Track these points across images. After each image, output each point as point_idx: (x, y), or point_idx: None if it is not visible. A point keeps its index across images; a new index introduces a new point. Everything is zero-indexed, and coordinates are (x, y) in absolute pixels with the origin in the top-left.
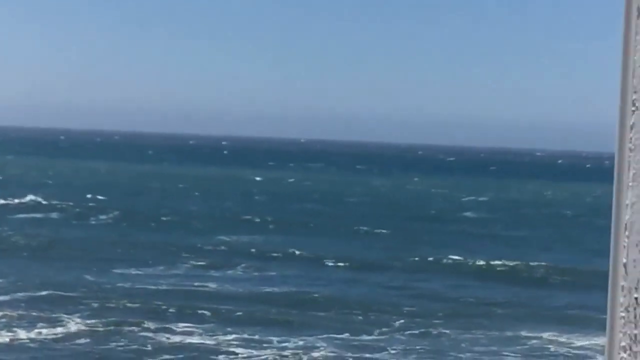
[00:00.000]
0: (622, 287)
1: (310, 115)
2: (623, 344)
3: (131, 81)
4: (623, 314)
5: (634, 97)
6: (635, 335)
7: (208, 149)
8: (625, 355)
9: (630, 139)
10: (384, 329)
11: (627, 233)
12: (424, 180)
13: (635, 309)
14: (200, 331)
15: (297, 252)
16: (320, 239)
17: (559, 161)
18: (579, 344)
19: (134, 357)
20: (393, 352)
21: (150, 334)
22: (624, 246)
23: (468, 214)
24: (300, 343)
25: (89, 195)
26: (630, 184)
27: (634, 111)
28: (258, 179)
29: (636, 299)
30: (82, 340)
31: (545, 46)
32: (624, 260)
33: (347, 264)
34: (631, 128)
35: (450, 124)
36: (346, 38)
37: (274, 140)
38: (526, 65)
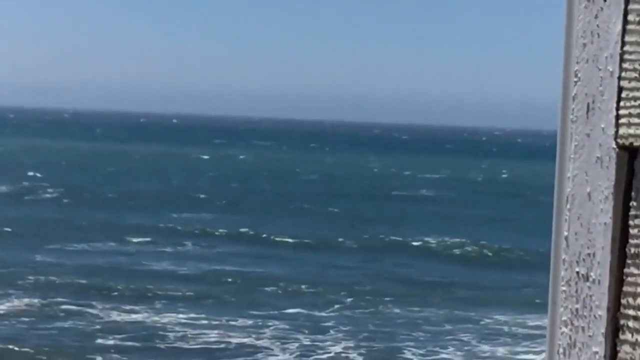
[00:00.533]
0: (564, 260)
1: (263, 93)
2: (564, 318)
3: (88, 59)
4: (564, 288)
5: (576, 67)
6: (577, 310)
7: (158, 127)
8: (566, 330)
9: (573, 110)
10: (335, 307)
11: (568, 206)
12: (379, 158)
13: (576, 283)
14: (149, 310)
15: (246, 230)
16: (270, 217)
17: (518, 140)
18: (533, 323)
19: (81, 336)
20: (345, 329)
21: (97, 313)
22: (566, 219)
23: (422, 192)
24: (250, 322)
25: (30, 173)
26: (572, 156)
27: (576, 82)
28: (206, 157)
29: (577, 272)
30: (27, 319)
31: (501, 23)
32: (566, 234)
33: (296, 241)
34: (573, 99)
35: (406, 101)
36: (303, 18)
37: (228, 118)
38: (484, 43)
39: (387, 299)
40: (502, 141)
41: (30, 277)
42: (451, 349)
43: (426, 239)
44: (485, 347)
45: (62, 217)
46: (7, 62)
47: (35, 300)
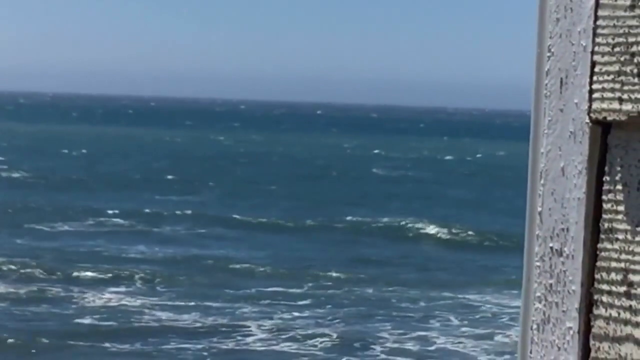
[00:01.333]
0: (537, 236)
1: (239, 75)
2: (538, 294)
3: (64, 42)
4: (538, 264)
5: (549, 42)
6: (551, 285)
7: (136, 109)
8: (540, 306)
9: (546, 85)
10: (307, 290)
11: (542, 181)
12: (342, 138)
13: (550, 258)
14: (124, 293)
15: (215, 213)
16: (239, 198)
17: (496, 121)
18: (512, 303)
19: (56, 319)
20: (321, 311)
21: (74, 295)
22: (539, 194)
23: (378, 171)
24: (225, 303)
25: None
26: (545, 131)
27: (549, 57)
28: (178, 139)
29: (551, 248)
30: (1, 304)
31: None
32: (539, 209)
33: (268, 222)
34: (547, 74)
35: (380, 82)
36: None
37: (202, 100)
38: (460, 22)
39: (362, 276)
40: (479, 121)
41: (4, 262)
42: (427, 328)
43: (399, 219)
44: (464, 328)
45: (39, 199)
46: None
47: (11, 285)
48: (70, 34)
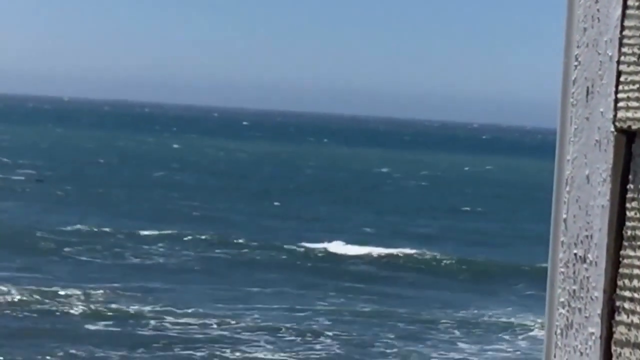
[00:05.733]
0: (562, 242)
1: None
2: (562, 299)
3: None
4: (562, 270)
5: (576, 52)
6: (574, 291)
7: (127, 115)
8: (563, 311)
9: (573, 94)
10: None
11: (567, 188)
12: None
13: (574, 264)
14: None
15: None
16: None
17: (483, 137)
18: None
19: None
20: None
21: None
22: (565, 201)
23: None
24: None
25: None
26: (571, 139)
27: (576, 66)
28: (149, 141)
29: (575, 254)
30: None
31: (494, 19)
32: (564, 216)
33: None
34: (573, 83)
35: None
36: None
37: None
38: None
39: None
40: (471, 136)
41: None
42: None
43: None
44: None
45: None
46: None
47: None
48: (66, 39)
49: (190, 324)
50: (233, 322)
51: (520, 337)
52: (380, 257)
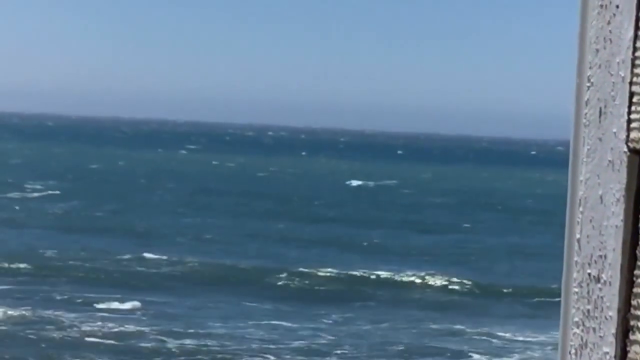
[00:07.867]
0: (576, 262)
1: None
2: (576, 319)
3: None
4: (576, 290)
5: (589, 73)
6: (588, 311)
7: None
8: (577, 331)
9: (585, 114)
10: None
11: (581, 209)
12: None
13: (588, 284)
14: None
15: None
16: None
17: (481, 145)
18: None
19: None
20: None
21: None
22: (578, 222)
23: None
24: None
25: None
26: (584, 159)
27: (589, 87)
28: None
29: (589, 274)
30: None
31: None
32: (578, 236)
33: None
34: (586, 104)
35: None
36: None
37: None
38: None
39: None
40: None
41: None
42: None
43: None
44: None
45: None
46: None
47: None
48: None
49: (191, 344)
50: (234, 340)
51: (534, 356)
52: (387, 279)
